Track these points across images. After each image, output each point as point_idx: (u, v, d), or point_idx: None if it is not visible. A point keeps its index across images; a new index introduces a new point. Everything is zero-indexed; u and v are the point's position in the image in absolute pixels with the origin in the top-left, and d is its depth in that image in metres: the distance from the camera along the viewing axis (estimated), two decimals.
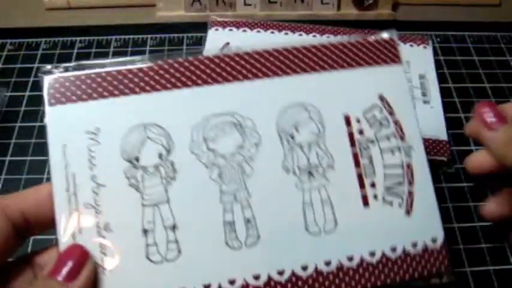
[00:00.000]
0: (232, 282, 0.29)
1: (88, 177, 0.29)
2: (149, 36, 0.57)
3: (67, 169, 0.29)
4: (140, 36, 0.56)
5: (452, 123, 0.48)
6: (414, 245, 0.30)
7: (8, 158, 0.46)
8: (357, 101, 0.32)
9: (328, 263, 0.30)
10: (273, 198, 0.30)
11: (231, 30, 0.52)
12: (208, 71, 0.31)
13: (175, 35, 0.57)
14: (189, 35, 0.57)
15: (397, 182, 0.31)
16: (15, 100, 0.51)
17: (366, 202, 0.31)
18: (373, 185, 0.31)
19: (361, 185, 0.31)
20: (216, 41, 0.50)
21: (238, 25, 0.52)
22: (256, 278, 0.29)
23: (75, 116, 0.30)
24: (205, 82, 0.31)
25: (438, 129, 0.46)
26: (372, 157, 0.31)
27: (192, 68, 0.31)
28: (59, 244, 0.28)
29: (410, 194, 0.31)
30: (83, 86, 0.30)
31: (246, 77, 0.31)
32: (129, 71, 0.31)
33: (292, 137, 0.31)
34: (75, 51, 0.55)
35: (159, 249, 0.29)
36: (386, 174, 0.31)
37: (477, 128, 0.34)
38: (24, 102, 0.51)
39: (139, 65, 0.31)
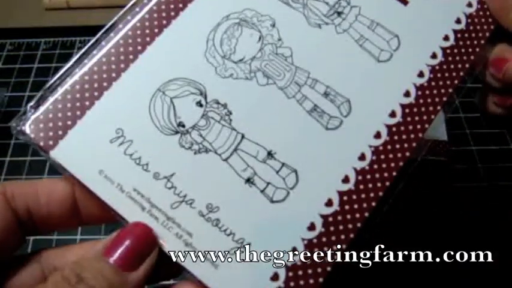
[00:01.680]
0: (362, 157, 0.25)
1: (151, 176, 0.23)
2: None
3: (117, 187, 0.23)
4: None
5: (452, 124, 0.47)
6: (469, 5, 0.28)
7: (8, 158, 0.46)
8: None
9: (420, 75, 0.26)
10: (327, 58, 0.26)
11: None
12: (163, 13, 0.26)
13: None
14: None
15: None
16: (15, 100, 0.50)
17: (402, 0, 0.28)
18: None
19: None
20: None
21: None
22: (377, 137, 0.25)
23: (87, 136, 0.24)
24: (175, 17, 0.26)
25: (438, 129, 0.44)
26: None
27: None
28: None
29: None
30: (69, 104, 0.24)
31: None
32: (103, 57, 0.27)
33: None
34: (75, 51, 0.53)
35: (276, 185, 0.24)
36: None
37: None
38: (24, 102, 0.49)
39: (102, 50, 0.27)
